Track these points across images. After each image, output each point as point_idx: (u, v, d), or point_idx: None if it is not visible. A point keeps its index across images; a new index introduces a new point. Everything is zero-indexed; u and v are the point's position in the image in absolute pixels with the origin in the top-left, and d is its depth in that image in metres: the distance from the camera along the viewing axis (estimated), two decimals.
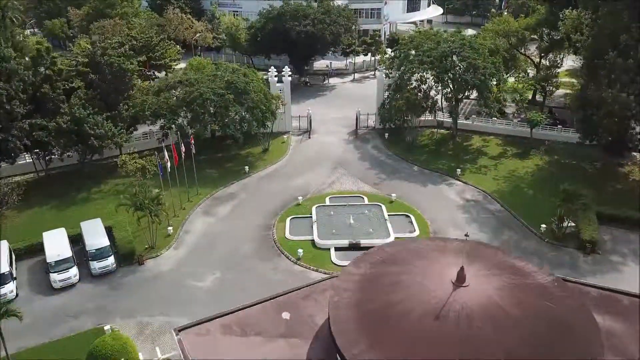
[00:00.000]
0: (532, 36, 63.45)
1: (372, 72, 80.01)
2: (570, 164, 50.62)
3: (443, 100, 54.46)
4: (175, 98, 48.89)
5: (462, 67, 51.02)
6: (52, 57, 46.77)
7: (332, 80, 78.43)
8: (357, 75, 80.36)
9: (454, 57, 52.11)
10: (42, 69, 45.84)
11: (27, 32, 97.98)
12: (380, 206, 42.50)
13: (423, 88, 53.89)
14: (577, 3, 54.27)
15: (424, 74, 53.07)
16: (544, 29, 61.16)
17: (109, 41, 59.45)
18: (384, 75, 57.79)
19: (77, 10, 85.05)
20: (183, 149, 43.28)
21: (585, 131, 47.43)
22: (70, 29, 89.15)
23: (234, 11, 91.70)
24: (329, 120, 62.48)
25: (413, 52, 54.83)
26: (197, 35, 76.01)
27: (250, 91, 49.03)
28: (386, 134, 57.42)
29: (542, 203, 42.57)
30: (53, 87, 45.80)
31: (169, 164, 41.34)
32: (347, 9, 78.66)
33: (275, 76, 56.94)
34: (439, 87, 53.32)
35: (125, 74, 49.12)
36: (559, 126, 55.82)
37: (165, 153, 41.76)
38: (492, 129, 57.58)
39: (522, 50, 64.03)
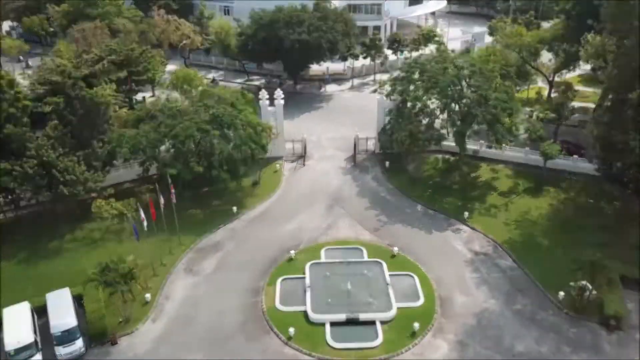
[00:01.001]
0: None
1: (372, 78, 74.95)
2: (587, 203, 46.43)
3: (449, 131, 49.73)
4: (155, 132, 44.26)
5: (471, 98, 46.28)
6: (15, 92, 41.84)
7: (329, 88, 73.33)
8: (356, 82, 75.20)
9: (463, 84, 47.43)
10: (4, 105, 40.98)
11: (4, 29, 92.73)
12: (381, 264, 38.37)
13: (427, 117, 49.25)
14: (599, 20, 48.98)
15: (429, 101, 48.38)
16: (560, 44, 56.22)
17: (86, 56, 54.55)
18: (384, 98, 52.94)
19: (57, 7, 79.50)
20: (162, 201, 39.02)
21: (607, 176, 43.20)
22: (51, 26, 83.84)
23: (225, 7, 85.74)
24: (325, 142, 58.08)
25: (417, 75, 50.01)
26: (184, 42, 70.51)
27: (238, 126, 44.42)
28: (387, 162, 52.94)
29: (559, 259, 38.29)
30: (17, 123, 41.14)
31: (145, 223, 37.12)
32: (345, 12, 72.96)
33: (267, 99, 52.17)
34: (445, 117, 48.69)
35: (99, 108, 44.27)
36: (574, 157, 51.39)
37: (142, 213, 37.41)
38: (502, 157, 53.15)
39: (534, 63, 59.32)
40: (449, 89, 46.56)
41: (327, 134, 59.46)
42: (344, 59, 73.47)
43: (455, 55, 52.58)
